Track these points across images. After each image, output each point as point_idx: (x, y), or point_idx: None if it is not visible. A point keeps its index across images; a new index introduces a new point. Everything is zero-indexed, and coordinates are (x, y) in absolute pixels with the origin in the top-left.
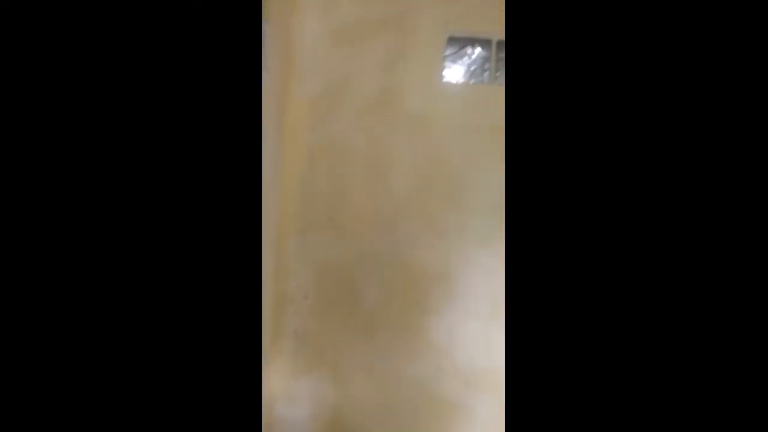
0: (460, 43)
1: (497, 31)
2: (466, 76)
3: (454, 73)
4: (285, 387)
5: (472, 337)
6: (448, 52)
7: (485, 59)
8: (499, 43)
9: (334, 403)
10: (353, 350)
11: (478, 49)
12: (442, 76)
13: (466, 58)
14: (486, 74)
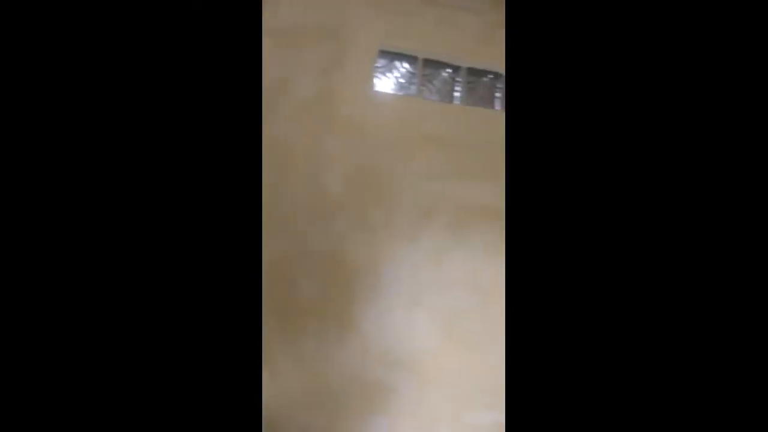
0: (390, 56)
1: (423, 50)
2: (395, 88)
3: (384, 84)
4: None
5: (396, 323)
6: (380, 64)
7: (412, 74)
8: (424, 60)
9: (266, 391)
10: (286, 341)
11: (406, 65)
12: (373, 85)
13: (395, 71)
14: (413, 87)
